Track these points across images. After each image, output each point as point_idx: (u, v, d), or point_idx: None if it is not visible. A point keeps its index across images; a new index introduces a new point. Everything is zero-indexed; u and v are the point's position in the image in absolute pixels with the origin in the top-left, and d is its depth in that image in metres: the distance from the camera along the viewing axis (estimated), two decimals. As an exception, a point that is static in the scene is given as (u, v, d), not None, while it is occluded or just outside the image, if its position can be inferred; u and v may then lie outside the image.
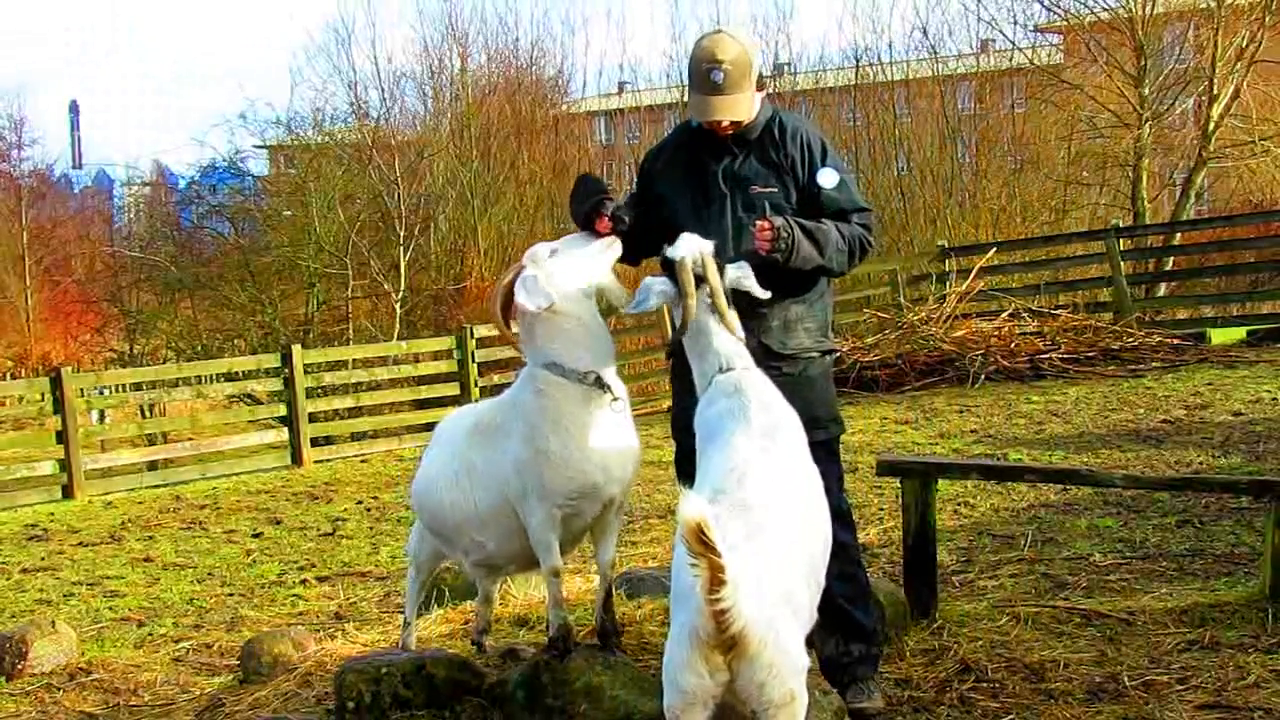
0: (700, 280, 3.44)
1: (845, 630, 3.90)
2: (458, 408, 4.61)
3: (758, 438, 3.18)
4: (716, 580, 2.58)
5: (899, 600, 4.62)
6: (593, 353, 3.68)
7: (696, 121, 3.93)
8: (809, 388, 3.77)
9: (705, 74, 3.74)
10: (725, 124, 3.83)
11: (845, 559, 3.84)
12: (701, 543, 2.54)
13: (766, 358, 3.70)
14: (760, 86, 3.87)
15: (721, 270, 3.47)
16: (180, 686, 5.82)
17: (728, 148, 3.90)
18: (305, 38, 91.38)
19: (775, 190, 3.84)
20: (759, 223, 3.67)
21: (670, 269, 3.50)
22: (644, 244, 4.13)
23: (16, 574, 8.93)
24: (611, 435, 3.69)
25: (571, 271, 3.69)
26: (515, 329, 3.76)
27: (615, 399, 3.68)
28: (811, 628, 3.06)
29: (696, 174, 3.94)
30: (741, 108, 3.78)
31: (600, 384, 3.66)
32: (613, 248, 3.79)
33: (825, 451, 3.78)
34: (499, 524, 3.91)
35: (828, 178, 3.83)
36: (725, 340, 3.42)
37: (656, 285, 3.52)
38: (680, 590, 2.80)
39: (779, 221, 3.66)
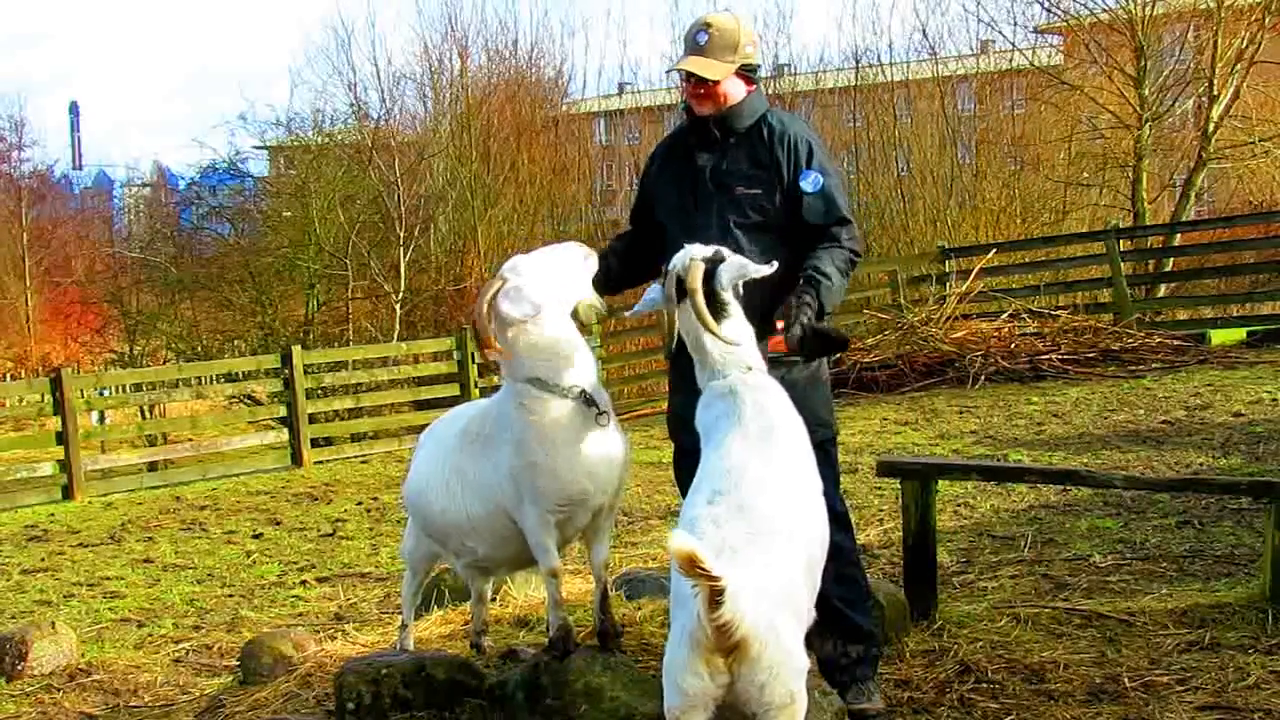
0: (684, 288, 3.41)
1: (843, 632, 3.89)
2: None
3: (753, 439, 3.17)
4: (715, 599, 2.58)
5: (899, 601, 4.61)
6: (576, 367, 3.64)
7: (684, 104, 3.99)
8: (790, 394, 3.66)
9: (692, 35, 3.87)
10: (701, 92, 3.86)
11: (842, 561, 3.83)
12: (696, 570, 2.54)
13: None
14: (748, 78, 3.90)
15: (711, 276, 3.39)
16: (180, 687, 5.82)
17: (714, 138, 3.91)
18: (305, 39, 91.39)
19: (759, 192, 3.84)
20: (772, 340, 3.64)
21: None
22: (646, 250, 4.13)
23: (16, 575, 8.94)
24: (599, 444, 3.67)
25: (553, 282, 3.64)
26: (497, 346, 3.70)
27: (601, 413, 3.65)
28: (809, 628, 3.06)
29: (686, 171, 3.96)
30: (714, 69, 3.82)
31: (586, 399, 3.63)
32: (591, 258, 3.78)
33: (818, 454, 3.77)
34: (491, 530, 3.92)
35: (810, 182, 3.82)
36: (718, 347, 3.39)
37: (649, 293, 3.53)
38: (680, 593, 2.80)
39: (795, 333, 3.58)
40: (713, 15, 3.90)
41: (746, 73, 3.90)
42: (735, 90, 3.89)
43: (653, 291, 3.54)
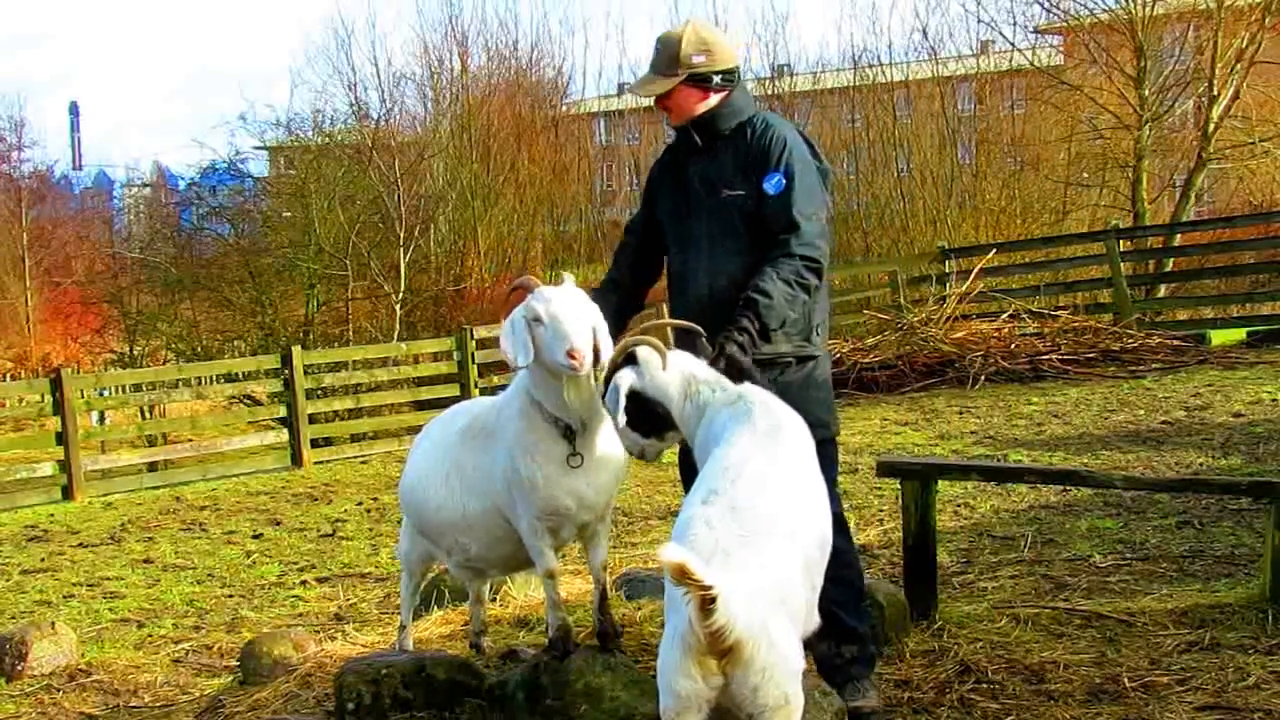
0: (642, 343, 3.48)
1: (836, 633, 3.88)
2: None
3: (761, 436, 3.18)
4: (706, 605, 2.58)
5: (899, 601, 4.61)
6: (566, 409, 3.62)
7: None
8: (785, 395, 3.58)
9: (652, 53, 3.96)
10: (661, 106, 3.93)
11: (838, 562, 3.79)
12: (687, 580, 2.54)
13: None
14: (704, 86, 3.85)
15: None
16: (180, 688, 5.82)
17: (699, 144, 3.92)
18: (305, 39, 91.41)
19: (743, 193, 3.83)
20: None
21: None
22: (651, 247, 4.14)
23: (16, 575, 8.94)
24: (585, 470, 3.66)
25: (559, 336, 3.49)
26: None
27: (575, 454, 3.63)
28: (812, 630, 3.05)
29: (679, 179, 3.99)
30: (655, 86, 3.88)
31: (569, 434, 3.63)
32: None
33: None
34: (485, 529, 3.92)
35: (773, 184, 3.80)
36: (705, 371, 3.44)
37: (625, 378, 3.45)
38: (673, 595, 2.78)
39: (719, 366, 3.53)
40: (665, 31, 3.94)
41: (700, 81, 3.84)
42: (686, 101, 3.87)
43: (613, 394, 3.44)
